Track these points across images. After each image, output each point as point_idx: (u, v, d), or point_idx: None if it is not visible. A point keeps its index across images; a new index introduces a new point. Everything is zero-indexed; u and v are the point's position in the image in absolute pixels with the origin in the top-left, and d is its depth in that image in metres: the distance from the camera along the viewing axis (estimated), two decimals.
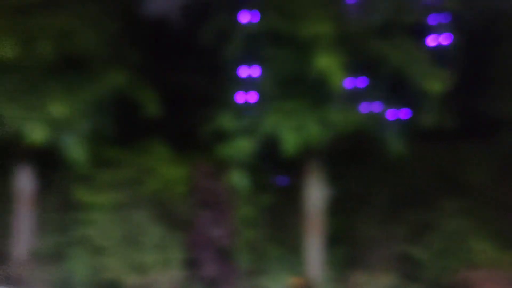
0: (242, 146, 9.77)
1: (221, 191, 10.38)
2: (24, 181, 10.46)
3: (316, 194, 10.50)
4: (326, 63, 8.91)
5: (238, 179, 9.96)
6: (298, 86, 9.72)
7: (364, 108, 10.03)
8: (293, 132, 9.52)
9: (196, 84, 11.45)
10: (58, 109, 9.03)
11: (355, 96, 9.95)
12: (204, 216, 10.37)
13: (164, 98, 10.49)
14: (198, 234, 10.32)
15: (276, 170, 11.17)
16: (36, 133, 9.01)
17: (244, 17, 10.05)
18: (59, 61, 9.19)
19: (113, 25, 9.84)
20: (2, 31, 8.65)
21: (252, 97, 10.34)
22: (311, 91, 9.58)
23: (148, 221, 10.18)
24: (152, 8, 11.95)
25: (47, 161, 10.67)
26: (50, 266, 10.05)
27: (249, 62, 10.29)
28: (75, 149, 9.35)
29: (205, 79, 11.25)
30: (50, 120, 9.10)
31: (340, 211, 10.57)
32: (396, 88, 9.75)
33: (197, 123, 10.41)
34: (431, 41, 10.13)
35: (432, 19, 10.19)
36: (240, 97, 10.32)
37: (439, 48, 10.17)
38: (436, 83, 9.19)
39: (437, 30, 10.16)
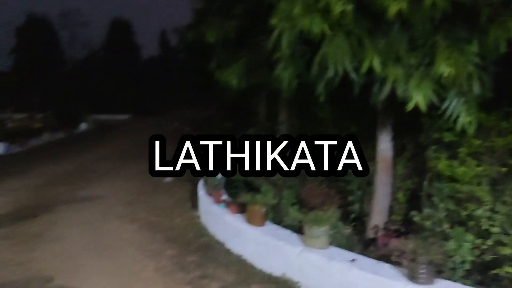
0: None
1: None
2: (384, 147, 9.86)
3: None
4: None
5: None
6: None
7: None
8: None
9: None
10: (445, 68, 7.87)
11: None
12: None
13: None
14: None
15: None
16: (421, 96, 8.00)
17: None
18: (446, 14, 7.96)
19: None
20: None
21: None
22: None
23: None
24: None
25: (403, 125, 9.93)
26: (408, 238, 9.23)
27: None
28: (464, 115, 8.15)
29: None
30: (436, 80, 8.01)
31: None
32: None
33: None
34: None
35: None
36: None
37: None
38: None
39: None
